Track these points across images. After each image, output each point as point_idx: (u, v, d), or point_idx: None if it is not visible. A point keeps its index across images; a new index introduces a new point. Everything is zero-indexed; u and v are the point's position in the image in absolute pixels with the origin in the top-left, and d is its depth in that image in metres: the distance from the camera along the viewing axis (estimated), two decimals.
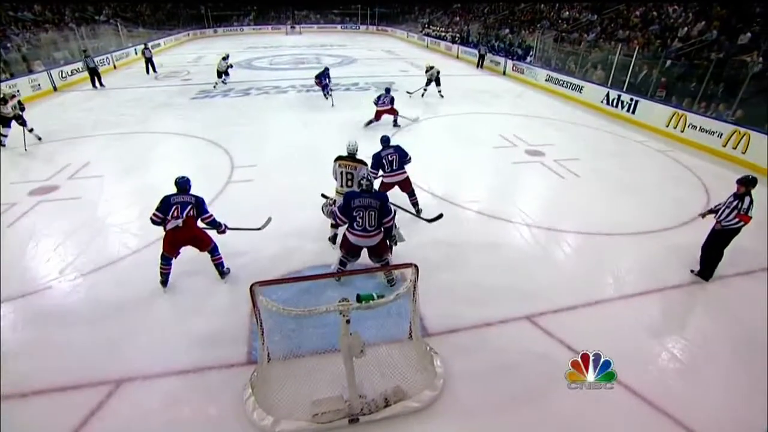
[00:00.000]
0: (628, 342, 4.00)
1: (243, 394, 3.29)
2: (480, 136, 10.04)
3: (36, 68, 14.58)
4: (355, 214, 4.12)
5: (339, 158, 5.24)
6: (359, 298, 2.95)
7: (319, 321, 3.37)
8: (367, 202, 4.11)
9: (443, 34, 27.75)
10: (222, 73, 15.20)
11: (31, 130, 9.14)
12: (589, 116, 12.25)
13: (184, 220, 4.18)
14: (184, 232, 4.25)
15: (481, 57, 20.12)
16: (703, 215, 5.04)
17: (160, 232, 4.38)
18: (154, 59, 18.14)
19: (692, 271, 4.97)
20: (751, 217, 4.49)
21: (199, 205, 4.30)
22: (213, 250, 4.54)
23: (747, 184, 4.49)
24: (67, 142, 9.33)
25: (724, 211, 4.66)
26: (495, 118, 11.82)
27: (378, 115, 10.33)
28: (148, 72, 17.46)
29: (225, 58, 15.33)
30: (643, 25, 14.72)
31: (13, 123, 8.93)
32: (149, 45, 18.97)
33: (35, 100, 12.96)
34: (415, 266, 3.14)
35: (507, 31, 22.09)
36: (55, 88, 14.44)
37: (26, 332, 4.04)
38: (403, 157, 5.80)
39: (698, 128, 9.55)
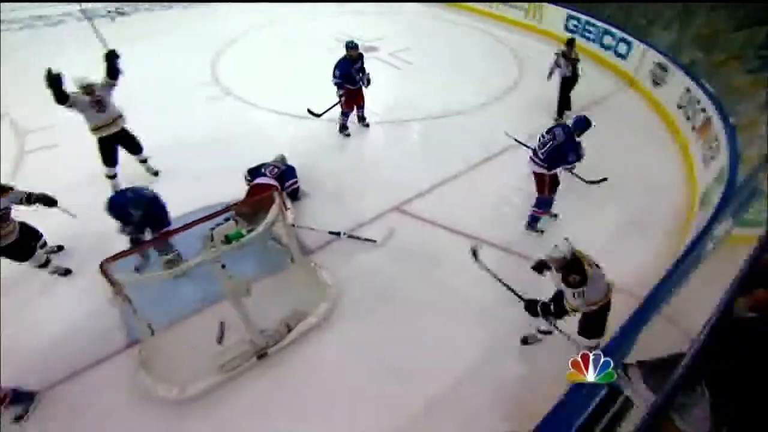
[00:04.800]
0: (487, 204, 4.69)
1: (137, 377, 3.03)
2: (312, 39, 9.44)
3: None
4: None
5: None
6: (228, 239, 2.78)
7: (194, 275, 3.13)
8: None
9: None
10: None
11: None
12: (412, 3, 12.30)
13: None
14: None
15: None
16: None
17: None
18: None
19: (555, 118, 6.22)
20: (579, 60, 5.90)
21: None
22: None
23: (571, 43, 5.86)
24: None
25: (561, 68, 5.88)
26: (324, 18, 11.12)
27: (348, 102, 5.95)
28: None
29: None
30: None
31: None
32: None
33: None
34: (276, 190, 3.03)
35: None
36: None
37: None
38: None
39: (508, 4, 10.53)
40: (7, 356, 3.16)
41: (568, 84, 6.10)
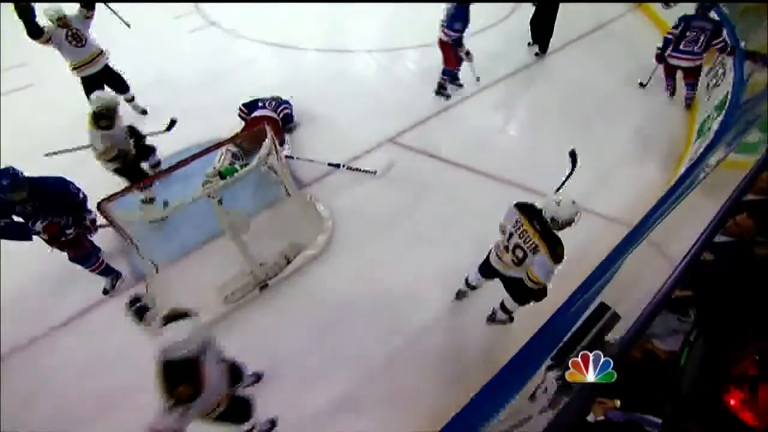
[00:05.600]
0: (480, 134, 4.64)
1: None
2: None
3: None
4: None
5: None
6: (222, 175, 2.78)
7: (193, 212, 3.15)
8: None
9: None
10: None
11: None
12: None
13: None
14: None
15: None
16: None
17: None
18: None
19: (536, 53, 5.72)
20: None
21: None
22: None
23: None
24: None
25: None
26: None
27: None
28: None
29: None
30: None
31: None
32: None
33: None
34: (268, 123, 2.97)
35: None
36: None
37: None
38: None
39: None
40: (16, 295, 3.31)
41: (542, 8, 5.28)
